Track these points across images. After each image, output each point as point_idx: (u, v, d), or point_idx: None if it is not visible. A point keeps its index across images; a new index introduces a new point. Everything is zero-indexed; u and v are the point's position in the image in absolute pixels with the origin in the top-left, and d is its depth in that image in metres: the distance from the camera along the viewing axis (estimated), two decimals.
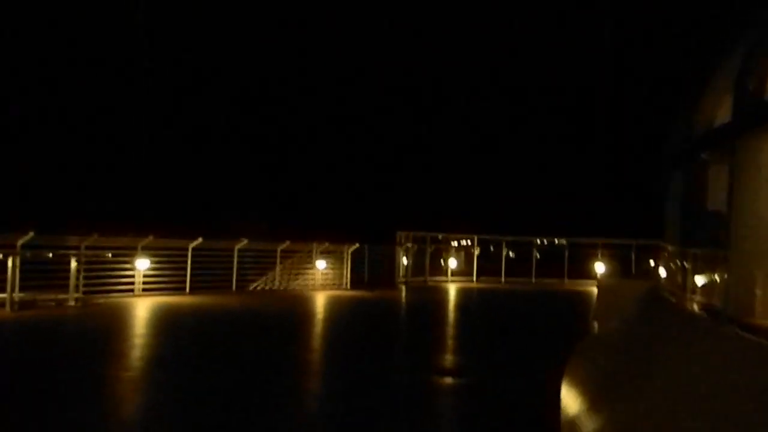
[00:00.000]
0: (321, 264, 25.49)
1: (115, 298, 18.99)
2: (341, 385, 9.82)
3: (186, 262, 21.29)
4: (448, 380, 10.15)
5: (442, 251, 32.78)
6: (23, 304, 16.23)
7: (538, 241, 33.66)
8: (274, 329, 15.65)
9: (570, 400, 6.83)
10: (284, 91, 45.40)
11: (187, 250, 21.25)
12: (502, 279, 32.01)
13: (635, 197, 40.62)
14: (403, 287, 27.83)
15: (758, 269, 6.36)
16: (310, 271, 25.51)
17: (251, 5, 44.15)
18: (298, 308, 19.65)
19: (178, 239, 21.36)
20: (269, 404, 8.32)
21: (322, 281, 25.70)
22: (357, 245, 26.81)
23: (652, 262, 29.78)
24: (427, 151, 48.20)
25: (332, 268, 26.16)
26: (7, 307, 15.71)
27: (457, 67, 47.89)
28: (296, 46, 45.42)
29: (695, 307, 8.45)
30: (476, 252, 32.76)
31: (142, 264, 19.95)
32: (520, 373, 10.79)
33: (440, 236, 32.54)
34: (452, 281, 31.35)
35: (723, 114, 6.73)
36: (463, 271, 32.45)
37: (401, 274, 29.23)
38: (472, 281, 31.69)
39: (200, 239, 21.44)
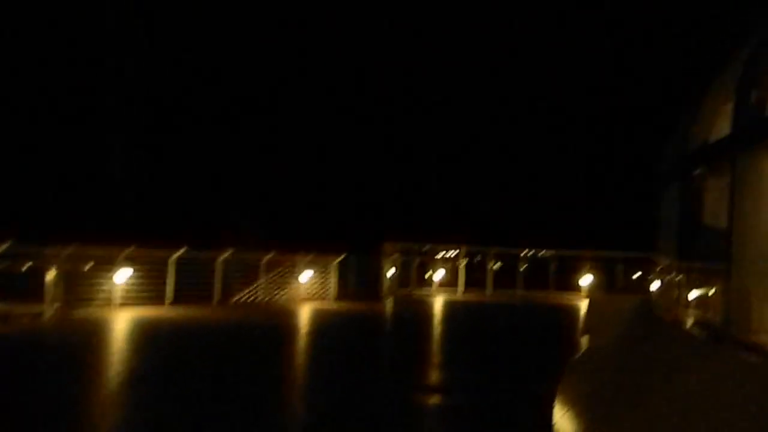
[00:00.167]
0: (306, 275, 25.11)
1: (93, 311, 18.48)
2: (323, 406, 9.46)
3: (168, 273, 20.83)
4: (435, 399, 9.82)
5: (429, 262, 32.51)
6: None
7: (524, 253, 33.46)
8: (254, 345, 15.23)
9: (565, 423, 6.56)
10: (270, 102, 45.10)
11: (168, 261, 20.80)
12: (488, 291, 31.76)
13: (621, 210, 40.66)
14: (389, 299, 27.49)
15: (760, 285, 6.14)
16: (296, 283, 25.10)
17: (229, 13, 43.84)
18: (280, 322, 19.23)
19: (161, 249, 20.90)
20: (244, 428, 7.96)
21: (307, 293, 25.30)
22: (343, 256, 26.46)
23: (637, 275, 29.76)
24: (414, 163, 48.04)
25: (318, 280, 25.78)
26: None
27: (442, 81, 47.85)
28: (282, 56, 45.17)
29: (689, 321, 8.22)
30: (462, 263, 32.51)
31: (122, 275, 19.48)
32: (509, 391, 10.47)
33: (426, 247, 32.27)
34: (438, 293, 31.05)
35: (721, 128, 6.52)
36: (449, 283, 32.16)
37: (387, 285, 28.90)
38: (459, 293, 31.40)
39: (183, 249, 20.99)
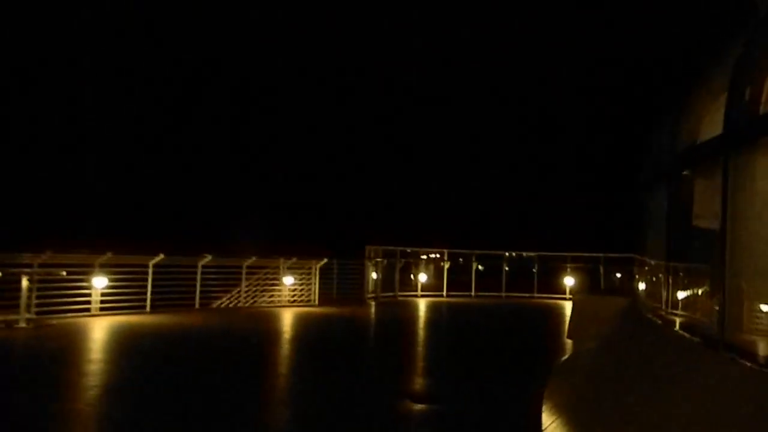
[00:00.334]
0: (288, 280, 24.79)
1: (71, 319, 18.04)
2: (306, 414, 9.20)
3: (147, 279, 20.42)
4: (420, 406, 9.58)
5: (412, 265, 32.29)
6: None
7: (507, 255, 33.37)
8: (235, 352, 14.90)
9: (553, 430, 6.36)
10: (251, 106, 44.72)
11: (147, 266, 20.39)
12: (473, 293, 31.61)
13: (604, 211, 40.77)
14: (373, 303, 27.23)
15: (752, 286, 5.99)
16: (277, 288, 24.77)
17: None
18: (262, 327, 18.92)
19: (139, 255, 20.48)
20: None
21: (289, 297, 24.97)
22: (325, 260, 26.17)
23: (622, 276, 29.72)
24: (396, 166, 47.86)
25: (300, 284, 25.46)
26: None
27: (424, 84, 47.75)
28: (263, 60, 44.81)
29: (677, 323, 8.06)
30: (446, 266, 32.34)
31: (100, 282, 19.05)
32: (496, 396, 10.27)
33: (409, 250, 32.05)
34: (422, 296, 30.84)
35: (711, 127, 6.36)
36: (433, 286, 31.97)
37: (370, 289, 28.64)
38: (443, 296, 31.22)
39: (161, 255, 20.59)
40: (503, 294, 31.67)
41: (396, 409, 9.26)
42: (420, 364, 13.89)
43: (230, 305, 23.20)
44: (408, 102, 48.19)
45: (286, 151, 45.54)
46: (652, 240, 9.33)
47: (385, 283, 29.68)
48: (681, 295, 8.25)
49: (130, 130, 39.23)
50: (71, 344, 14.81)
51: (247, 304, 23.59)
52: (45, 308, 17.69)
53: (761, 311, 6.71)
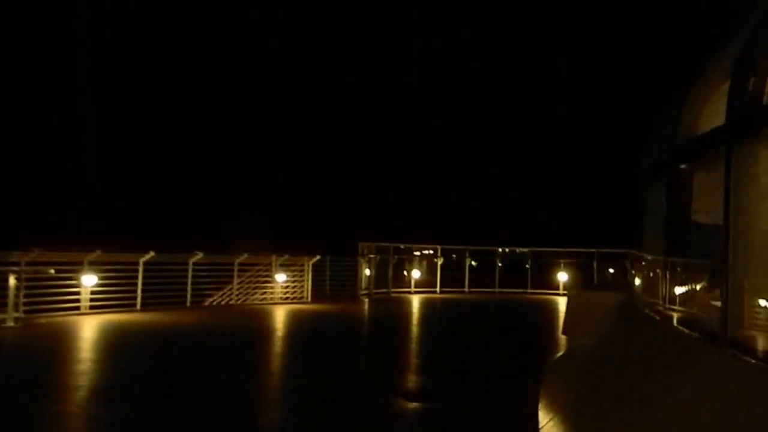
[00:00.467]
0: (281, 277, 24.58)
1: (60, 318, 17.80)
2: (297, 413, 9.04)
3: (137, 277, 20.18)
4: (414, 405, 9.43)
5: (405, 262, 32.13)
6: None
7: (501, 251, 33.27)
8: (226, 349, 14.72)
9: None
10: (243, 101, 44.43)
11: (138, 264, 20.15)
12: (466, 289, 31.48)
13: (599, 205, 40.75)
14: (366, 300, 27.07)
15: (754, 280, 5.86)
16: (270, 285, 24.56)
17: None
18: (254, 325, 18.74)
19: (129, 253, 20.23)
20: None
21: (282, 295, 24.77)
22: (318, 257, 25.98)
23: (617, 271, 29.67)
24: (388, 161, 47.69)
25: (293, 281, 25.26)
26: None
27: (417, 80, 47.55)
28: (257, 56, 44.52)
29: (676, 318, 7.95)
30: (439, 262, 32.20)
31: (89, 280, 18.80)
32: (491, 393, 10.12)
33: (402, 246, 31.89)
34: (415, 292, 30.69)
35: (711, 119, 6.21)
36: (427, 282, 31.81)
37: (364, 285, 28.47)
38: (436, 292, 31.07)
39: (152, 253, 20.35)
40: (497, 290, 31.54)
41: (390, 408, 9.10)
42: (414, 361, 13.75)
43: (222, 303, 22.98)
44: (400, 98, 48.00)
45: (279, 148, 45.31)
46: (650, 234, 9.20)
47: (378, 279, 29.50)
48: (679, 290, 8.12)
49: (121, 126, 38.90)
50: (60, 343, 14.59)
51: (239, 302, 23.38)
52: (33, 307, 17.43)
53: (761, 306, 6.60)
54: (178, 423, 8.28)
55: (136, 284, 20.17)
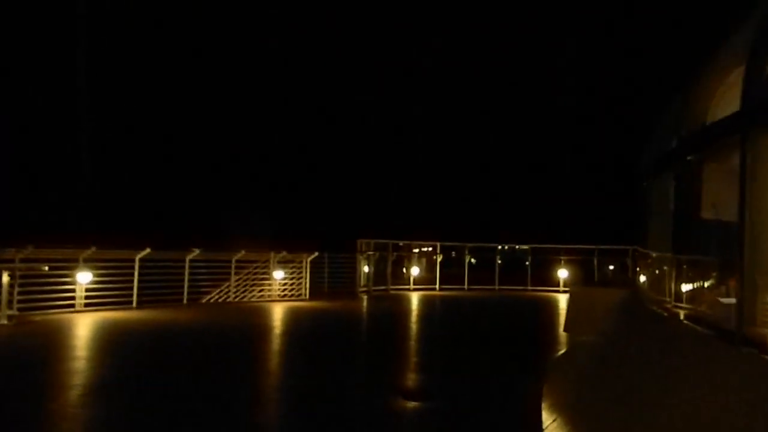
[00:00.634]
0: (279, 274, 24.37)
1: (54, 315, 17.58)
2: (295, 412, 8.82)
3: (133, 274, 19.95)
4: (414, 404, 9.21)
5: (404, 259, 31.92)
6: None
7: (500, 248, 33.06)
8: (223, 347, 14.50)
9: None
10: (240, 98, 44.15)
11: (133, 261, 19.92)
12: (466, 286, 31.28)
13: (596, 203, 40.57)
14: (365, 297, 26.87)
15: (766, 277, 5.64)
16: (268, 282, 24.34)
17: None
18: (251, 322, 18.51)
19: (124, 250, 19.99)
20: None
21: (280, 292, 24.57)
22: (316, 254, 25.76)
23: (619, 268, 29.47)
24: (387, 158, 47.44)
25: (291, 278, 25.05)
26: None
27: (415, 77, 47.27)
28: (250, 54, 44.23)
29: (684, 316, 7.73)
30: (439, 259, 31.99)
31: (84, 277, 18.56)
32: (492, 392, 9.90)
33: (401, 243, 31.68)
34: (415, 290, 30.48)
35: (724, 106, 5.97)
36: (426, 279, 31.61)
37: (362, 282, 28.26)
38: (435, 289, 30.87)
39: (148, 250, 20.12)
40: (496, 287, 31.34)
41: (389, 407, 8.89)
42: (413, 359, 13.53)
43: (219, 300, 22.77)
44: (399, 96, 47.73)
45: (277, 145, 45.04)
46: (656, 230, 8.97)
47: (377, 276, 29.31)
48: (686, 287, 7.90)
49: (118, 122, 38.63)
50: (55, 341, 14.36)
51: (236, 299, 23.17)
52: (27, 305, 17.22)
53: None
54: (175, 421, 8.07)
55: (132, 281, 19.95)
